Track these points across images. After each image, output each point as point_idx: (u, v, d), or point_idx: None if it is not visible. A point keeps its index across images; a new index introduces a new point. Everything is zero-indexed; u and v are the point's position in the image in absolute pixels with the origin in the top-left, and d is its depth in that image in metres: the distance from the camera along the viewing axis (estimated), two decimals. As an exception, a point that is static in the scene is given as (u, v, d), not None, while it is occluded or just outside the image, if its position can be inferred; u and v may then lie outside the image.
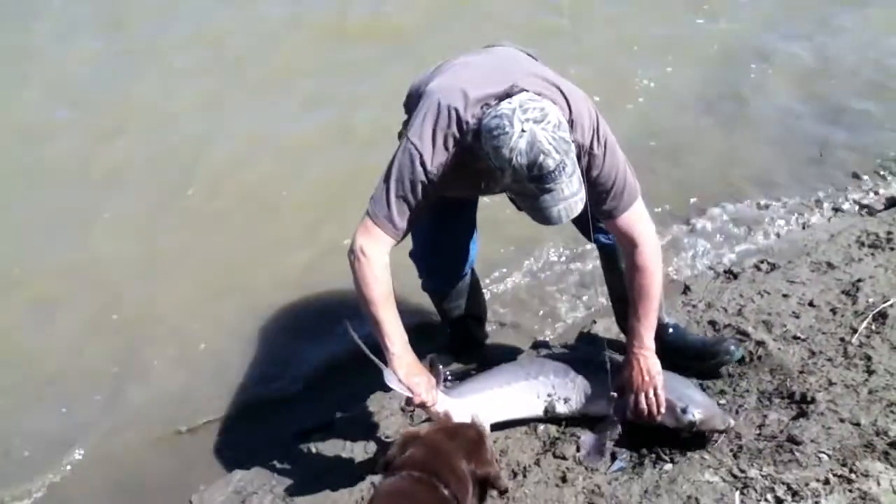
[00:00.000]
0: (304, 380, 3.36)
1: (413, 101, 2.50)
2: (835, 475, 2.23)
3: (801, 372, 2.75)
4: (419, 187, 2.25)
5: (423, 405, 2.37)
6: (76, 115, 4.85)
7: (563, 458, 2.60)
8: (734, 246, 3.87)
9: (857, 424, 2.42)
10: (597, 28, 5.40)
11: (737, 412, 2.65)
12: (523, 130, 1.98)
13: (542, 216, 2.10)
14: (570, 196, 2.05)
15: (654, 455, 2.52)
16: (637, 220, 2.42)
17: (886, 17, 5.39)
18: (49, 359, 3.49)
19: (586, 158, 2.24)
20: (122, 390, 3.35)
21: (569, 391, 2.71)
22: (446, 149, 2.21)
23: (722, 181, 4.29)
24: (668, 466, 2.44)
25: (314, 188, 4.30)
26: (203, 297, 3.74)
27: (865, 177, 4.22)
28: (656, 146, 4.47)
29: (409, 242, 2.80)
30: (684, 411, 2.49)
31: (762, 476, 2.29)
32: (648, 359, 2.53)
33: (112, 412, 3.26)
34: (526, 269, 3.83)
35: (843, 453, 2.31)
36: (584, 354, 2.90)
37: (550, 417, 2.75)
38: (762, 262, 3.58)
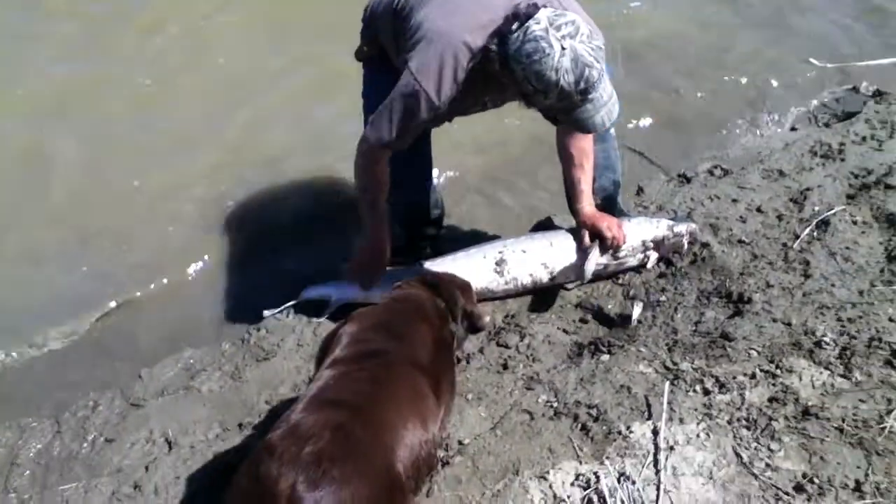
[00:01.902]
0: (265, 262, 3.35)
1: (379, 19, 2.47)
2: (761, 370, 2.32)
3: (741, 274, 2.83)
4: (422, 119, 2.27)
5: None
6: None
7: (507, 346, 2.69)
8: (689, 150, 3.90)
9: (788, 324, 2.51)
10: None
11: (675, 310, 2.74)
12: (563, 48, 1.96)
13: (586, 125, 2.15)
14: (608, 100, 2.11)
15: (592, 346, 2.61)
16: None
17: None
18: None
19: None
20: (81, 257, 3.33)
21: (525, 244, 2.91)
22: (455, 82, 2.19)
23: (693, 83, 4.33)
24: (605, 357, 2.52)
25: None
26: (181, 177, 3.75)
27: (836, 89, 4.27)
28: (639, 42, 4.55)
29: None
30: (659, 220, 2.99)
31: (693, 369, 2.38)
32: (595, 209, 2.85)
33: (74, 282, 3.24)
34: (481, 167, 3.81)
35: (772, 350, 2.41)
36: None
37: (508, 283, 2.89)
38: (716, 167, 3.62)
